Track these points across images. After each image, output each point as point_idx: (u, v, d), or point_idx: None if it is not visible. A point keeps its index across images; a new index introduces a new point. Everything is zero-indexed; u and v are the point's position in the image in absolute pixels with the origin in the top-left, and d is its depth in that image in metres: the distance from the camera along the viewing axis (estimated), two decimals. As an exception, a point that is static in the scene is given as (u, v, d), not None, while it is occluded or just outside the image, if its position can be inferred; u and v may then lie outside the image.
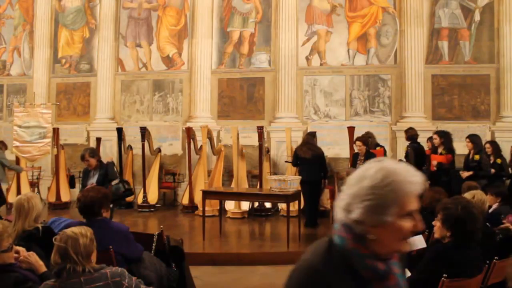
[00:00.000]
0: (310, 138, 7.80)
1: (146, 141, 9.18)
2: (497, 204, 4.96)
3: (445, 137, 7.27)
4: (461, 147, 7.90)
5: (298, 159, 7.46)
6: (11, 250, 2.64)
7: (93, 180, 5.99)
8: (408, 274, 3.37)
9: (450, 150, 7.18)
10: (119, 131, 9.36)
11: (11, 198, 8.48)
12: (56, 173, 9.55)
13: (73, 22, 11.05)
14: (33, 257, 2.78)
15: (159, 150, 9.84)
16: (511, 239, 4.05)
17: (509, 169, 7.52)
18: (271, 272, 5.53)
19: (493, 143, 7.58)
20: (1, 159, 7.97)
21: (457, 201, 2.98)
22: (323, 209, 8.11)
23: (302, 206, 7.02)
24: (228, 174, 9.22)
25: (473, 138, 7.30)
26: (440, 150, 7.25)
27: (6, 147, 8.62)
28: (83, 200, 3.49)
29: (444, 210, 2.89)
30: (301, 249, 6.22)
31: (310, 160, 7.31)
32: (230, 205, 8.37)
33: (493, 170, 7.09)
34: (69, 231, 2.46)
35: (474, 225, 2.78)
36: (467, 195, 3.86)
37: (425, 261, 2.91)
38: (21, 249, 2.78)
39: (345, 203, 1.39)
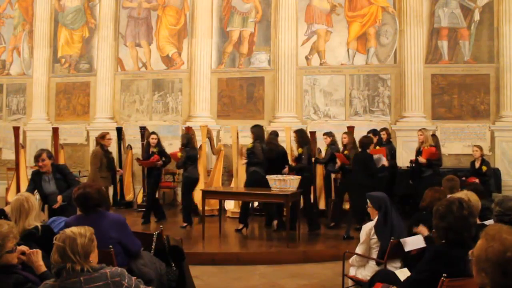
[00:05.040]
0: (272, 137, 7.61)
1: (145, 140, 9.16)
2: None
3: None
4: (460, 147, 7.95)
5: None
6: (15, 251, 2.65)
7: (52, 186, 5.22)
8: (408, 273, 3.38)
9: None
10: (119, 130, 9.36)
11: (11, 198, 8.47)
12: (55, 172, 9.54)
13: (72, 22, 11.05)
14: (37, 256, 2.78)
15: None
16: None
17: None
18: (271, 271, 5.53)
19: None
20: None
21: (447, 199, 3.04)
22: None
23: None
24: (228, 174, 9.22)
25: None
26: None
27: None
28: (82, 195, 3.58)
29: (435, 208, 2.96)
30: (301, 248, 6.23)
31: (274, 159, 7.22)
32: (229, 204, 8.38)
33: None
34: (68, 230, 2.47)
35: (451, 222, 2.80)
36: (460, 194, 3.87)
37: (424, 260, 2.91)
38: (25, 248, 2.79)
39: None
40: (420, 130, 7.57)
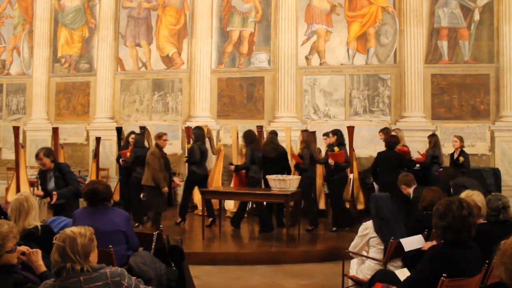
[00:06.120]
0: (273, 137, 7.57)
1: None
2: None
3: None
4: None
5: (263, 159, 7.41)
6: (15, 251, 2.65)
7: (51, 184, 5.34)
8: (408, 273, 3.38)
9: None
10: (119, 130, 9.35)
11: (11, 197, 8.46)
12: (55, 172, 9.53)
13: (72, 22, 11.05)
14: (37, 256, 2.79)
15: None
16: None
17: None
18: (271, 271, 5.53)
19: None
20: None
21: (447, 198, 3.06)
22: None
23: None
24: (228, 174, 9.21)
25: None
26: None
27: None
28: (91, 190, 3.82)
29: (435, 207, 2.97)
30: (301, 248, 6.23)
31: (274, 159, 7.24)
32: (229, 204, 8.37)
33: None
34: (68, 230, 2.47)
35: (450, 222, 2.80)
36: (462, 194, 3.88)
37: (424, 260, 2.91)
38: (25, 248, 2.79)
39: None
40: (393, 130, 7.94)
